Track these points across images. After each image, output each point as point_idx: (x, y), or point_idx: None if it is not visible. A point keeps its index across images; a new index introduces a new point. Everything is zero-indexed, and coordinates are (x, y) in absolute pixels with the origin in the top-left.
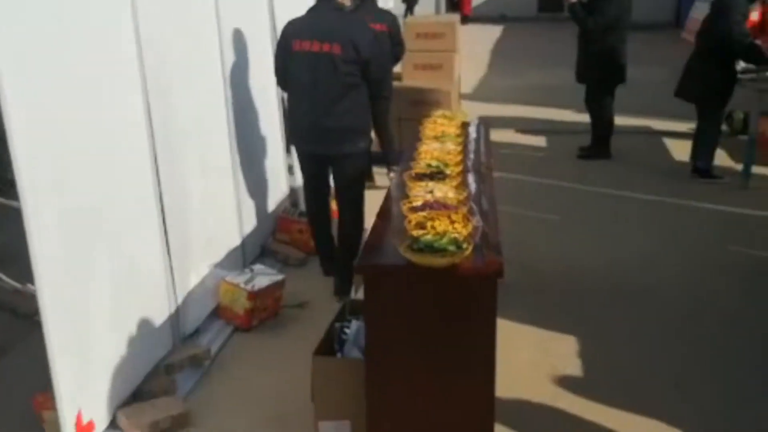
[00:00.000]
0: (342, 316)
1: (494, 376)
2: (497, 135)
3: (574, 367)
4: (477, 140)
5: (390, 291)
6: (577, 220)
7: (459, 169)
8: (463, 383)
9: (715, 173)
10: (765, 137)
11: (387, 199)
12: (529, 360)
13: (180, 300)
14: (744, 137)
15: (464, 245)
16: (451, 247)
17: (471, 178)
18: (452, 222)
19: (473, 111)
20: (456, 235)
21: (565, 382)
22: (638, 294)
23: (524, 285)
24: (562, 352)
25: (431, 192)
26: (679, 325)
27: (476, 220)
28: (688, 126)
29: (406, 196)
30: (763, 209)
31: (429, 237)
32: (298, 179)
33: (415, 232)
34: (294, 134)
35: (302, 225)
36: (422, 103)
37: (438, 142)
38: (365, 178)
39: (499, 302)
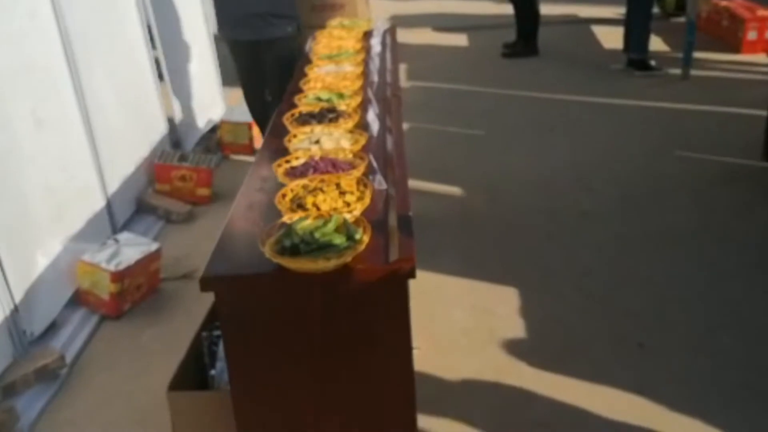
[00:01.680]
0: (211, 321)
1: (414, 397)
2: (411, 35)
3: (516, 329)
4: (382, 54)
5: (254, 309)
6: (504, 134)
7: (357, 101)
8: (373, 414)
9: (652, 64)
10: (703, 19)
11: (258, 160)
12: (464, 325)
13: (19, 295)
14: (678, 20)
15: (357, 234)
16: (339, 240)
17: (372, 114)
18: (342, 193)
19: (384, 10)
20: (347, 214)
21: (510, 349)
22: (579, 222)
23: (449, 221)
24: (501, 310)
25: (317, 142)
26: (632, 262)
27: (377, 182)
28: (615, 11)
29: (284, 152)
30: (707, 102)
31: (308, 224)
32: (177, 112)
33: (289, 217)
34: (221, 22)
35: (184, 170)
36: (324, 7)
37: (333, 62)
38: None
39: (421, 246)
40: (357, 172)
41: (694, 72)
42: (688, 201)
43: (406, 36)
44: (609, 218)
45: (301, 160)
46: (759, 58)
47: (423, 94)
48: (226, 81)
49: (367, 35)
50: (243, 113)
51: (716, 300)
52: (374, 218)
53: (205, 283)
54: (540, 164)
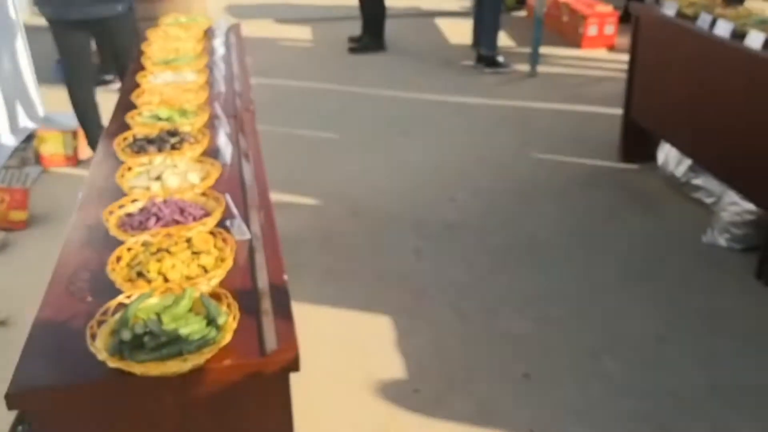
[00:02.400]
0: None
1: None
2: (252, 27)
3: (393, 367)
4: (227, 58)
5: (85, 427)
6: (359, 137)
7: (204, 119)
8: None
9: (501, 60)
10: (549, 14)
11: (84, 199)
12: (335, 369)
13: None
14: (518, 13)
15: (221, 317)
16: (197, 326)
17: (223, 136)
18: (196, 253)
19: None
20: (205, 284)
21: (389, 395)
22: (446, 235)
23: (307, 238)
24: (374, 345)
25: (158, 178)
26: (506, 277)
27: (238, 230)
28: (459, 3)
29: (115, 193)
30: (557, 100)
31: (153, 304)
32: None
33: (127, 295)
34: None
35: None
36: None
37: (170, 69)
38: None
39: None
40: (212, 220)
41: (540, 68)
42: (551, 207)
43: (246, 28)
44: (476, 230)
45: (139, 204)
46: (599, 53)
47: (268, 93)
48: (43, 79)
49: (208, 34)
50: (65, 118)
51: (594, 317)
52: (239, 287)
53: (14, 400)
54: (399, 171)
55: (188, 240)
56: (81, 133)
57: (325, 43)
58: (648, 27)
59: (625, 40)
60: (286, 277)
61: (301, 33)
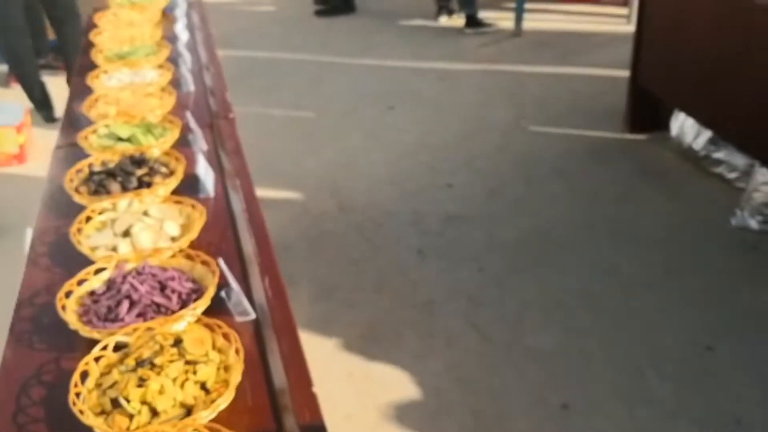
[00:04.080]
0: None
1: None
2: None
3: (410, 401)
4: (192, 45)
5: None
6: (338, 115)
7: (174, 136)
8: None
9: (482, 20)
10: None
11: (26, 277)
12: (344, 407)
13: None
14: None
15: None
16: None
17: (202, 160)
18: (191, 363)
19: None
20: (207, 416)
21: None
22: (449, 229)
23: (295, 239)
24: (384, 372)
25: (126, 234)
26: (522, 281)
27: (237, 309)
28: None
29: (66, 265)
30: (547, 63)
31: None
32: None
33: None
34: None
35: None
36: None
37: (126, 65)
38: None
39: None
40: (204, 301)
41: (525, 25)
42: (559, 189)
43: None
44: (481, 221)
45: (103, 277)
46: (589, 6)
47: (235, 67)
48: None
49: (166, 15)
50: (6, 111)
51: (630, 324)
52: (251, 404)
53: None
54: (387, 153)
55: (177, 341)
56: (28, 127)
57: (289, 6)
58: None
59: None
60: (315, 389)
61: None
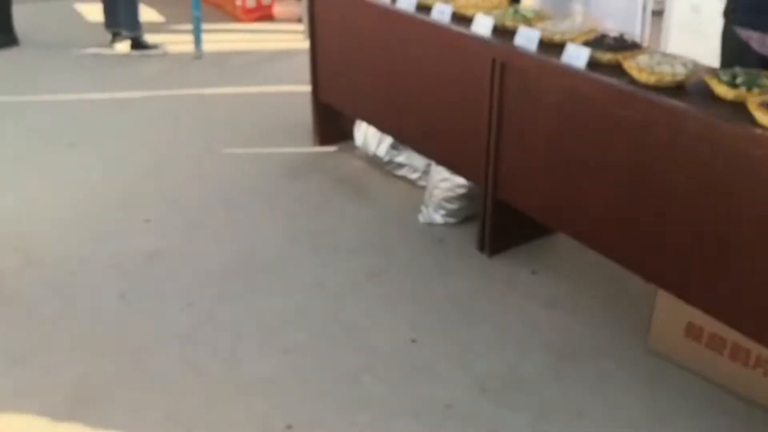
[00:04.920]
0: None
1: None
2: None
3: None
4: None
5: None
6: (10, 159)
7: None
8: None
9: (147, 42)
10: None
11: None
12: None
13: None
14: None
15: None
16: None
17: None
18: None
19: None
20: None
21: None
22: (151, 268)
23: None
24: None
25: None
26: (239, 311)
27: None
28: None
29: None
30: (232, 83)
31: None
32: None
33: None
34: None
35: None
36: None
37: None
38: None
39: None
40: None
41: (205, 48)
42: (260, 209)
43: None
44: (185, 254)
45: None
46: (265, 25)
47: None
48: None
49: None
50: None
51: (343, 334)
52: None
53: None
54: (72, 194)
55: None
56: None
57: None
58: (323, 2)
59: (285, 9)
60: None
61: None
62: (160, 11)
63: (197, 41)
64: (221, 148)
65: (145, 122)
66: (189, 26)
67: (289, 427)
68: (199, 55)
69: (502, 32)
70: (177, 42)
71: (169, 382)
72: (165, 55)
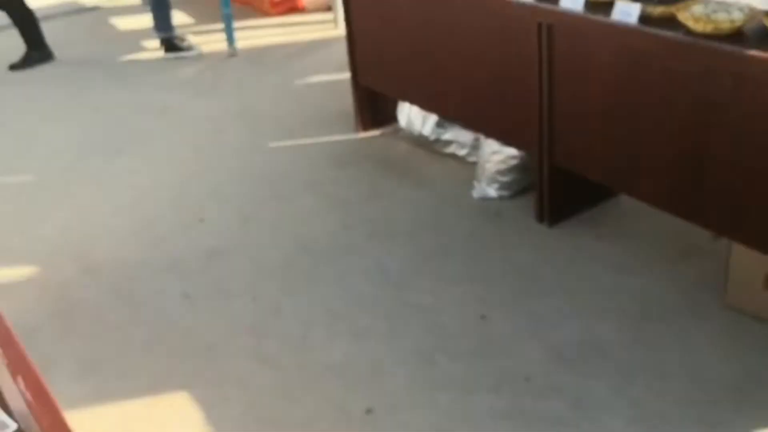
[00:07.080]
0: None
1: None
2: None
3: None
4: None
5: None
6: (61, 171)
7: None
8: None
9: (181, 43)
10: None
11: None
12: None
13: None
14: None
15: None
16: None
17: None
18: None
19: None
20: None
21: None
22: (210, 266)
23: (44, 323)
24: None
25: None
26: (302, 303)
27: None
28: None
29: None
30: (271, 78)
31: None
32: None
33: None
34: None
35: None
36: None
37: None
38: None
39: None
40: None
41: (239, 45)
42: (312, 200)
43: None
44: (243, 250)
45: None
46: (294, 18)
47: None
48: None
49: None
50: None
51: (412, 316)
52: None
53: None
54: (126, 202)
55: None
56: None
57: None
58: None
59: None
60: None
61: None
62: (188, 13)
63: (230, 39)
64: (266, 142)
65: (188, 123)
66: (218, 25)
67: (369, 410)
68: (233, 52)
69: None
70: (209, 42)
71: (244, 376)
72: (200, 55)
